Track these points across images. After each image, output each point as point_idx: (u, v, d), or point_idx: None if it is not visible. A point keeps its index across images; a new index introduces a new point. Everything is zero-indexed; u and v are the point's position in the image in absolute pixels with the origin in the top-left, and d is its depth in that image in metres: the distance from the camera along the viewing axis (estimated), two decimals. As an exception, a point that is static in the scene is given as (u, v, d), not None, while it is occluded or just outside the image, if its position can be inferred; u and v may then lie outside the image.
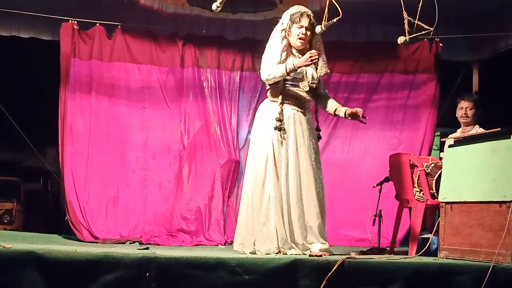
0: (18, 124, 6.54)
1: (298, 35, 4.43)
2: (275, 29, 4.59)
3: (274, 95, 4.45)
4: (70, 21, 6.35)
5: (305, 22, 4.44)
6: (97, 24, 6.45)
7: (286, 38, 4.46)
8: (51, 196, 11.32)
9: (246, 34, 6.79)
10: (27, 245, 3.63)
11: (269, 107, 4.45)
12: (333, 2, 4.64)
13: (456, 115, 5.54)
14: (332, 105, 4.61)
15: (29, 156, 9.77)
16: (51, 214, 10.77)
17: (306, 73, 4.45)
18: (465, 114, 5.39)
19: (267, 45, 4.53)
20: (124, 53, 6.53)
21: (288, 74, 4.33)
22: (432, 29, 4.65)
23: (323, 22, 4.61)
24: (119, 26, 6.51)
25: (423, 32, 4.69)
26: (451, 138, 4.76)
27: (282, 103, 4.39)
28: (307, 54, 4.28)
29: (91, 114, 6.41)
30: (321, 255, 3.80)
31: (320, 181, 4.46)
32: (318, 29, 4.59)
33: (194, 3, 6.27)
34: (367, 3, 6.18)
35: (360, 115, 4.47)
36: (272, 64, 4.38)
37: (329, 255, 4.04)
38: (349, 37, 6.92)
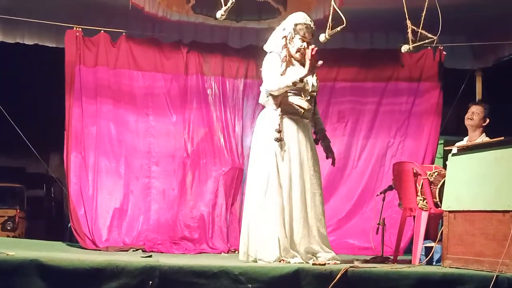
0: (21, 131, 6.55)
1: (299, 47, 4.43)
2: (275, 32, 4.57)
3: (276, 104, 4.45)
4: (74, 28, 6.37)
5: (308, 36, 4.44)
6: (102, 31, 6.47)
7: (287, 47, 4.46)
8: (54, 203, 11.33)
9: (250, 42, 6.80)
10: (30, 253, 3.64)
11: (272, 116, 4.45)
12: (336, 11, 4.65)
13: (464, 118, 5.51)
14: (318, 127, 4.71)
15: (32, 163, 9.79)
16: (54, 221, 10.77)
17: (307, 81, 4.45)
18: (470, 116, 5.35)
19: (267, 57, 4.51)
20: (129, 60, 6.54)
21: (294, 85, 4.34)
22: (435, 37, 4.66)
23: (327, 30, 4.62)
24: (124, 33, 6.53)
25: (427, 41, 4.69)
26: (456, 146, 4.74)
27: (282, 114, 4.39)
28: (307, 59, 4.28)
29: (96, 120, 6.42)
30: (324, 264, 3.79)
31: (321, 191, 4.47)
32: (322, 37, 4.60)
33: (198, 11, 6.28)
34: (371, 11, 6.20)
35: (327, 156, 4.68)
36: (275, 76, 4.38)
37: (339, 263, 4.04)
38: (352, 45, 6.93)
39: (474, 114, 5.33)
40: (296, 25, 4.45)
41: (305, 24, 4.44)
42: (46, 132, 8.40)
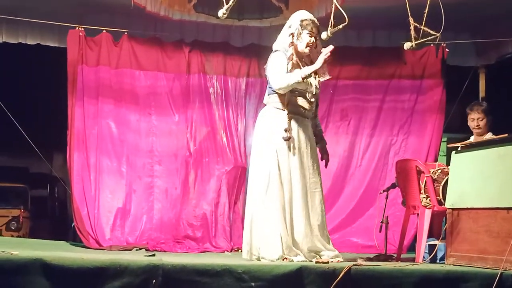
0: (25, 131, 6.56)
1: (308, 42, 4.44)
2: (282, 31, 4.57)
3: (281, 103, 4.44)
4: (77, 28, 6.38)
5: (315, 31, 4.44)
6: (104, 31, 6.47)
7: (293, 44, 4.45)
8: (58, 202, 11.34)
9: (252, 40, 6.80)
10: (34, 252, 3.63)
11: (275, 115, 4.44)
12: (338, 8, 4.64)
13: (468, 125, 5.46)
14: (316, 129, 4.68)
15: (36, 163, 9.79)
16: (58, 221, 10.78)
17: (310, 83, 4.45)
18: (477, 125, 5.29)
19: (273, 55, 4.50)
20: (131, 59, 6.55)
21: (303, 80, 4.34)
22: (438, 34, 4.64)
23: (329, 28, 4.61)
24: (126, 33, 6.53)
25: (429, 38, 4.68)
26: (461, 145, 4.71)
27: (289, 113, 4.39)
28: (321, 56, 4.30)
29: (98, 120, 6.43)
30: (327, 262, 3.79)
31: (321, 189, 4.47)
32: (324, 35, 4.59)
33: (200, 10, 6.29)
34: (373, 9, 6.19)
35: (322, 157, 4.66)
36: (284, 73, 4.38)
37: (342, 261, 4.04)
38: (355, 42, 6.92)
39: (478, 121, 5.28)
40: (302, 21, 4.45)
41: (311, 19, 4.46)
42: (49, 131, 8.41)
